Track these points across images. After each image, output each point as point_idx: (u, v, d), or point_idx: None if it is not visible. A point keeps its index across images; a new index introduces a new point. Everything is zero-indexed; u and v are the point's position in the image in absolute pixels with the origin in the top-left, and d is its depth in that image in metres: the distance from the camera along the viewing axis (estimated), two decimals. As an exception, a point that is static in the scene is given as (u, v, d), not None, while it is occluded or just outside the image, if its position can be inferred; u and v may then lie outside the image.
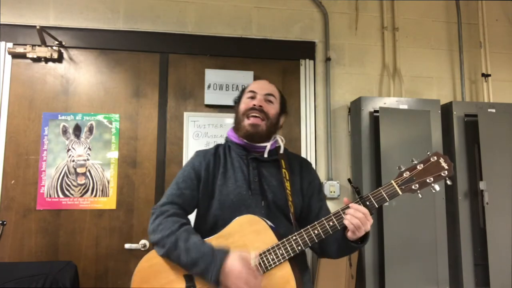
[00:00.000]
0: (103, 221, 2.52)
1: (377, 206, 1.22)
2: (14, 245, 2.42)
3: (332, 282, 2.50)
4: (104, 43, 2.66)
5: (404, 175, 1.21)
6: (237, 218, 1.29)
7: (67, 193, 2.50)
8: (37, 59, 2.56)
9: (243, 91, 1.54)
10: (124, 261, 2.50)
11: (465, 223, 2.61)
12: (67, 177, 2.51)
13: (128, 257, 2.50)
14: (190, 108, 2.71)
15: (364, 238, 1.27)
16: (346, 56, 2.97)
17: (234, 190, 1.36)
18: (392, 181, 1.22)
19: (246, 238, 1.26)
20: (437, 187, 1.21)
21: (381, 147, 2.55)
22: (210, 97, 2.69)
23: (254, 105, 1.42)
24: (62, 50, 2.61)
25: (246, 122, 1.41)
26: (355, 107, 2.78)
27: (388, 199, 1.21)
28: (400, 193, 1.21)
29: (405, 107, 2.69)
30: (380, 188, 1.23)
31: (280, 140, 1.51)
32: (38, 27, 2.41)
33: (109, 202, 2.54)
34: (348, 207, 1.22)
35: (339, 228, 1.23)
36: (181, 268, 1.25)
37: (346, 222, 1.20)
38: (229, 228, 1.28)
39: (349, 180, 1.40)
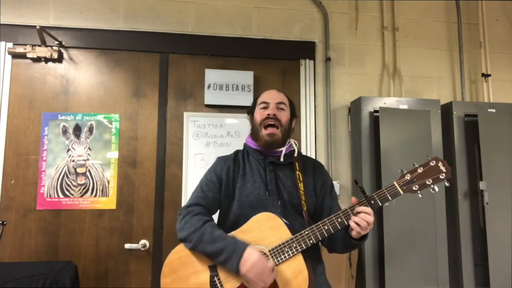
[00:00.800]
0: (103, 221, 2.52)
1: (381, 205, 1.35)
2: (14, 245, 2.42)
3: (332, 282, 2.49)
4: (104, 43, 2.66)
5: (406, 177, 1.34)
6: (256, 215, 1.42)
7: (67, 193, 2.50)
8: (37, 59, 2.57)
9: (255, 102, 1.68)
10: (124, 261, 2.50)
11: (465, 223, 2.61)
12: (67, 177, 2.51)
13: (128, 257, 2.50)
14: (190, 108, 2.71)
15: (365, 235, 1.41)
16: (346, 56, 2.97)
17: (253, 191, 1.50)
18: (395, 182, 1.35)
19: (264, 233, 1.40)
20: (436, 188, 1.34)
21: (381, 147, 2.55)
22: (210, 97, 2.69)
23: (269, 114, 1.55)
24: (62, 50, 2.61)
25: (264, 132, 1.55)
26: (355, 107, 2.78)
27: (390, 199, 1.35)
28: (401, 193, 1.34)
29: (405, 107, 2.69)
30: (383, 188, 1.36)
31: (294, 144, 1.65)
32: (38, 27, 2.41)
33: (109, 202, 2.54)
34: (355, 206, 1.37)
35: (346, 224, 1.37)
36: (206, 259, 1.40)
37: (352, 224, 1.33)
38: (249, 225, 1.42)
39: (355, 181, 1.57)
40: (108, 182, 2.55)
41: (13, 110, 2.52)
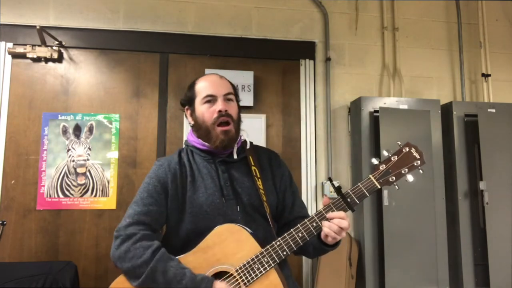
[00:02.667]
0: (103, 221, 2.52)
1: (358, 203, 1.20)
2: (14, 245, 2.42)
3: (332, 282, 2.50)
4: (104, 43, 2.66)
5: (381, 168, 1.23)
6: (214, 228, 1.20)
7: (67, 193, 2.50)
8: (37, 59, 2.56)
9: (192, 90, 1.36)
10: (124, 261, 2.49)
11: (465, 223, 2.61)
12: (67, 177, 2.51)
13: (128, 257, 2.50)
14: (190, 108, 2.70)
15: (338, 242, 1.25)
16: (346, 56, 2.97)
17: (207, 199, 1.25)
18: (370, 176, 1.23)
19: (228, 249, 1.18)
20: (410, 178, 1.23)
21: (381, 147, 2.54)
22: (210, 97, 2.69)
23: (220, 111, 1.29)
24: (62, 50, 2.61)
25: (219, 130, 1.29)
26: (355, 107, 2.78)
27: (368, 194, 1.21)
28: (378, 186, 1.21)
29: (405, 107, 2.69)
30: (359, 183, 1.22)
31: (245, 134, 1.43)
32: (38, 27, 2.41)
33: (109, 202, 2.54)
34: (330, 207, 1.19)
35: (322, 227, 1.18)
36: None
37: (326, 230, 1.16)
38: (208, 241, 1.19)
39: (329, 178, 1.39)
40: (108, 182, 2.55)
41: (13, 110, 2.52)
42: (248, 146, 1.40)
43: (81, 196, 2.51)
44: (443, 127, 2.70)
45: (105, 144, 2.58)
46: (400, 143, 1.27)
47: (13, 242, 2.42)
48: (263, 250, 1.17)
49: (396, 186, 1.22)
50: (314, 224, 1.18)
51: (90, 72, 2.63)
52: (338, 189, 1.21)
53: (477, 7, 3.14)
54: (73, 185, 2.51)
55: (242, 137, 1.41)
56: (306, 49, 2.88)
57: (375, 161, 1.26)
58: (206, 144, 1.32)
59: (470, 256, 2.59)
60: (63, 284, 2.06)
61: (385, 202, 2.48)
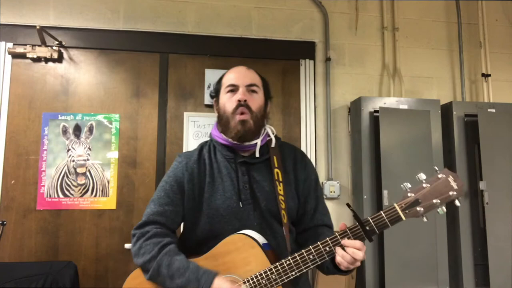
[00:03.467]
0: (103, 221, 2.52)
1: (377, 232, 1.10)
2: (14, 245, 2.42)
3: (332, 282, 2.50)
4: (104, 43, 2.66)
5: (409, 196, 1.08)
6: (228, 236, 1.19)
7: (67, 193, 2.50)
8: (37, 59, 2.56)
9: (219, 82, 1.35)
10: (124, 261, 2.49)
11: (465, 223, 2.61)
12: (67, 177, 2.51)
13: (128, 257, 2.50)
14: (190, 108, 2.71)
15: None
16: (346, 56, 2.97)
17: (223, 203, 1.24)
18: (395, 204, 1.09)
19: (238, 259, 1.17)
20: (444, 210, 1.09)
21: (381, 147, 2.55)
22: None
23: (239, 101, 1.25)
24: (62, 50, 2.61)
25: (236, 118, 1.25)
26: (355, 107, 2.78)
27: (390, 225, 1.10)
28: (403, 218, 1.09)
29: (405, 107, 2.69)
30: (381, 211, 1.10)
31: (270, 131, 1.35)
32: (38, 27, 2.41)
33: (109, 202, 2.54)
34: (346, 233, 1.11)
35: (335, 253, 1.12)
36: None
37: (339, 259, 1.10)
38: (219, 248, 1.20)
39: (347, 204, 1.24)
40: (108, 182, 2.55)
41: (13, 110, 2.52)
42: (273, 145, 1.33)
43: (81, 196, 2.51)
44: (443, 127, 2.70)
45: (105, 144, 2.58)
46: (437, 169, 1.11)
47: (13, 242, 2.42)
48: (271, 266, 1.14)
49: (424, 219, 1.09)
50: (327, 249, 1.12)
51: (90, 72, 2.63)
52: (356, 216, 1.11)
53: (477, 7, 3.14)
54: (73, 185, 2.52)
55: (267, 135, 1.34)
56: (306, 49, 2.89)
57: (404, 186, 1.10)
58: (229, 139, 1.28)
59: (470, 256, 2.59)
60: (63, 284, 2.06)
61: (386, 202, 2.48)
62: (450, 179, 1.08)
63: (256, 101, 1.30)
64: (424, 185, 1.08)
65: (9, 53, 2.53)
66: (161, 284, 1.17)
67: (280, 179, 1.27)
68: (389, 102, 2.69)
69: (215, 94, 1.36)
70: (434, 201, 1.07)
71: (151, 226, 1.23)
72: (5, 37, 2.54)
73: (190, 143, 2.64)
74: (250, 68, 1.36)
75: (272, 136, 1.34)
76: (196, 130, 2.66)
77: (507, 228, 2.57)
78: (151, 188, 2.58)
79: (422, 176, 1.09)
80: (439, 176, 1.09)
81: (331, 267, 1.18)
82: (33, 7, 2.62)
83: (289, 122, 2.80)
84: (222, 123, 1.30)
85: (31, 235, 2.44)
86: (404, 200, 1.08)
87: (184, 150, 2.62)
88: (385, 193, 2.49)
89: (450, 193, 1.07)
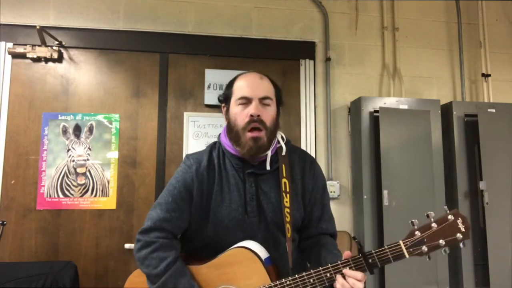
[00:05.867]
0: (103, 221, 2.52)
1: (379, 266, 1.11)
2: (14, 245, 2.42)
3: None
4: (104, 43, 2.66)
5: (416, 234, 1.09)
6: (232, 248, 1.20)
7: (67, 193, 2.50)
8: (37, 59, 2.56)
9: (230, 88, 1.29)
10: (124, 261, 2.50)
11: (465, 223, 2.60)
12: (67, 177, 2.51)
13: (128, 257, 2.50)
14: (190, 108, 2.71)
15: None
16: (346, 56, 2.97)
17: (229, 214, 1.23)
18: (400, 242, 1.10)
19: (239, 272, 1.18)
20: (447, 250, 1.09)
21: (381, 147, 2.55)
22: (210, 97, 2.69)
23: (252, 116, 1.20)
24: (62, 50, 2.61)
25: (248, 135, 1.21)
26: (355, 107, 2.78)
27: (392, 261, 1.10)
28: (407, 256, 1.09)
29: (405, 107, 2.69)
30: (386, 247, 1.11)
31: (281, 139, 1.32)
32: (38, 27, 2.41)
33: (109, 202, 2.54)
34: (348, 263, 1.12)
35: (335, 281, 1.13)
36: None
37: (338, 287, 1.11)
38: (222, 258, 1.21)
39: (353, 237, 1.30)
40: (108, 182, 2.55)
41: (13, 110, 2.52)
42: (284, 153, 1.30)
43: (81, 196, 2.51)
44: (443, 127, 2.70)
45: (105, 144, 2.58)
46: (446, 208, 1.12)
47: (13, 242, 2.42)
48: (271, 284, 1.15)
49: (427, 258, 1.10)
50: (328, 275, 1.13)
51: (90, 72, 2.63)
52: (361, 248, 1.14)
53: (477, 7, 3.14)
54: (73, 185, 2.51)
55: (277, 142, 1.31)
56: (306, 49, 2.89)
57: (412, 222, 1.11)
58: (238, 149, 1.25)
59: (470, 256, 2.59)
60: (63, 284, 2.06)
61: (385, 202, 2.48)
62: (459, 221, 1.09)
63: (269, 113, 1.25)
64: (433, 224, 1.09)
65: (9, 53, 2.53)
66: None
67: (287, 189, 1.26)
68: (389, 102, 2.69)
69: (225, 100, 1.31)
70: (440, 241, 1.08)
71: (156, 234, 1.21)
72: (5, 37, 2.54)
73: (190, 143, 2.64)
74: (263, 76, 1.29)
75: (282, 144, 1.31)
76: (196, 130, 2.66)
77: (507, 228, 2.57)
78: (151, 188, 2.58)
79: (432, 214, 1.10)
80: (449, 217, 1.09)
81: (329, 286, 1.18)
82: (33, 7, 2.62)
83: (289, 122, 2.79)
84: (233, 135, 1.25)
85: (31, 235, 2.44)
86: (410, 238, 1.10)
87: (184, 150, 2.62)
88: (385, 193, 2.49)
89: (457, 235, 1.08)
